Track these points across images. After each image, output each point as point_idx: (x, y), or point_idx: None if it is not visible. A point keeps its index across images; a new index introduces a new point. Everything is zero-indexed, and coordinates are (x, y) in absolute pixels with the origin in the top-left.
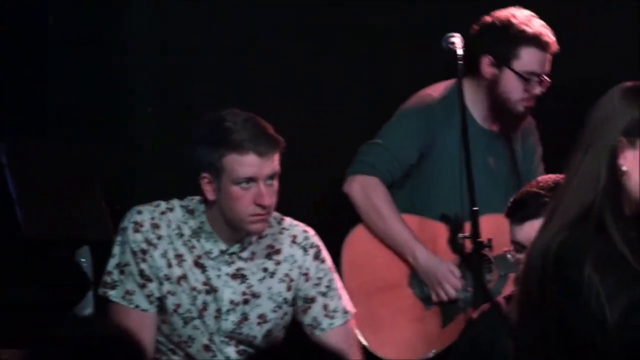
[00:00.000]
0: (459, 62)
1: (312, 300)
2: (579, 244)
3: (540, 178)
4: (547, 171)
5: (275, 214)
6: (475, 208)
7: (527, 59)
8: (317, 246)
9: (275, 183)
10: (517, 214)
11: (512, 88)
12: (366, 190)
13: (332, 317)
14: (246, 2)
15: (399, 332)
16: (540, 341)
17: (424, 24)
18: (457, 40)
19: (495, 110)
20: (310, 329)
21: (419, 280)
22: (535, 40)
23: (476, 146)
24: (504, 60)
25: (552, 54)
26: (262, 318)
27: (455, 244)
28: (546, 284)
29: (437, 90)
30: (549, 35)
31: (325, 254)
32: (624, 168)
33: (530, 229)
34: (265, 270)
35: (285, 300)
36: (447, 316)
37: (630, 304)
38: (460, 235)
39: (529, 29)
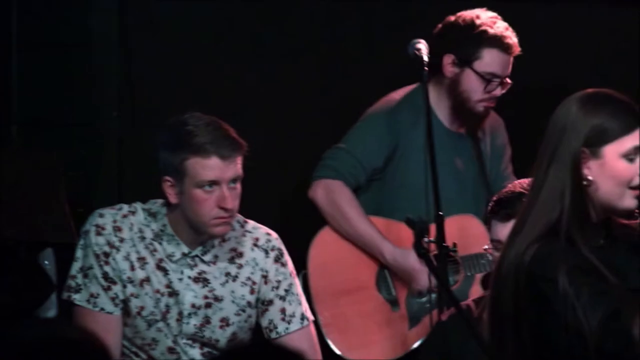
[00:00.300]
0: (425, 67)
1: (269, 303)
2: (551, 257)
3: (522, 180)
4: (516, 172)
5: (239, 217)
6: (440, 213)
7: (489, 60)
8: (279, 249)
9: (238, 186)
10: (502, 212)
11: (473, 88)
12: (331, 194)
13: (288, 322)
14: (213, 7)
15: (367, 335)
16: (518, 357)
17: (389, 28)
18: (422, 46)
19: (456, 110)
20: (267, 331)
21: (386, 282)
22: (497, 42)
23: (443, 148)
24: (465, 60)
25: (514, 57)
26: (225, 321)
27: (419, 248)
28: (520, 299)
29: (402, 94)
30: (511, 37)
31: (287, 258)
32: (590, 178)
33: None
34: (227, 274)
35: (249, 304)
36: (414, 318)
37: (606, 314)
38: (426, 239)
39: (492, 30)
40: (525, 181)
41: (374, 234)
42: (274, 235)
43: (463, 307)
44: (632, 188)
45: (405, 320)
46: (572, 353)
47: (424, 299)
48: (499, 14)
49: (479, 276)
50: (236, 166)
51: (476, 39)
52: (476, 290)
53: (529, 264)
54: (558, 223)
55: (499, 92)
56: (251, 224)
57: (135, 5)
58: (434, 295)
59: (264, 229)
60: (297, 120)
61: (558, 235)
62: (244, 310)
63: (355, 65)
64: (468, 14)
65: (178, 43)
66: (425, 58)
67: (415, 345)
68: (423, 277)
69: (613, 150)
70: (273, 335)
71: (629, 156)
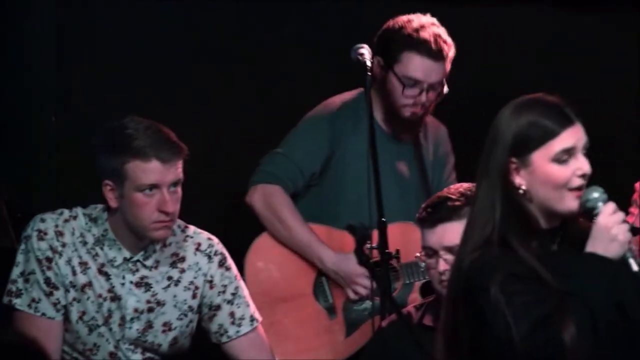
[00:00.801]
0: (368, 72)
1: (217, 307)
2: (485, 267)
3: (450, 186)
4: (459, 180)
5: (180, 222)
6: (383, 219)
7: (407, 63)
8: (222, 254)
9: (179, 190)
10: (429, 217)
11: (393, 91)
12: (268, 199)
13: (239, 325)
14: (150, 10)
15: (304, 343)
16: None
17: (330, 32)
18: (365, 51)
19: (388, 113)
20: (217, 336)
21: (323, 290)
22: (418, 46)
23: (385, 153)
24: (388, 62)
25: (445, 64)
26: (167, 326)
27: (361, 255)
28: (458, 307)
29: (342, 98)
30: (438, 43)
31: (230, 261)
32: (524, 187)
33: (442, 233)
34: (169, 278)
35: (191, 308)
36: (352, 325)
37: (537, 321)
38: (368, 245)
39: (415, 35)
40: (455, 187)
41: (312, 239)
42: (215, 240)
43: (404, 314)
44: (572, 189)
45: (343, 327)
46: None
47: (362, 307)
48: (450, 18)
49: (418, 284)
50: (176, 170)
51: (398, 42)
52: (415, 298)
53: (465, 274)
54: (492, 234)
55: (423, 98)
56: (192, 229)
57: (72, 9)
58: (370, 304)
59: (205, 234)
60: (237, 125)
61: (496, 244)
62: (185, 315)
63: (295, 70)
64: (403, 17)
65: (116, 47)
66: (369, 63)
67: (352, 353)
68: (362, 283)
69: (541, 156)
70: (224, 339)
71: (559, 159)
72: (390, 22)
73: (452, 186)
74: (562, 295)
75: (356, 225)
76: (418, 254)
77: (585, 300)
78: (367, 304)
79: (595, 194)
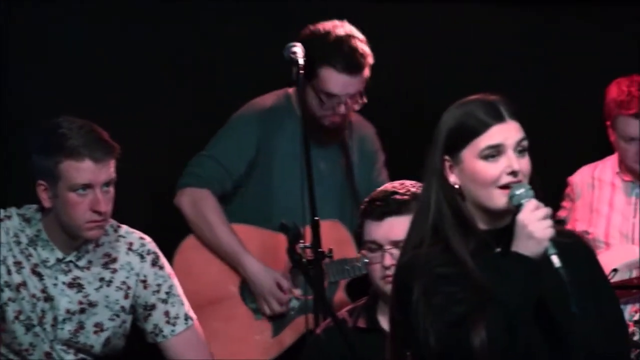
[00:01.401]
0: (300, 71)
1: (152, 307)
2: (416, 266)
3: (394, 182)
4: (392, 177)
5: (112, 222)
6: (316, 217)
7: (324, 78)
8: (155, 253)
9: (112, 190)
10: (376, 210)
11: (313, 103)
12: (195, 202)
13: (174, 324)
14: (86, 11)
15: (231, 345)
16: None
17: (259, 32)
18: (298, 49)
19: (310, 119)
20: (152, 336)
21: (250, 291)
22: (336, 62)
23: (312, 155)
24: (306, 75)
25: (360, 75)
26: (99, 327)
27: (293, 254)
28: (393, 308)
29: (268, 98)
30: (357, 58)
31: (163, 261)
32: (457, 185)
33: (389, 227)
34: (102, 279)
35: (123, 309)
36: (279, 325)
37: (448, 323)
38: (301, 245)
39: (332, 51)
40: (400, 182)
41: (237, 246)
42: (148, 239)
43: (339, 318)
44: (501, 187)
45: (269, 328)
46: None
47: (289, 305)
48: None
49: (344, 282)
50: (109, 169)
51: (315, 57)
52: (340, 297)
53: (397, 272)
54: (427, 233)
55: (342, 109)
56: (124, 228)
57: (10, 9)
58: (297, 303)
59: (137, 233)
60: (166, 125)
61: (429, 244)
62: (118, 315)
63: (225, 69)
64: (322, 26)
65: (52, 48)
66: (301, 61)
67: (281, 352)
68: (277, 302)
69: (469, 154)
70: (159, 339)
71: (487, 156)
72: (308, 31)
73: (395, 182)
74: (486, 298)
75: (288, 224)
76: (362, 249)
77: (501, 301)
78: (294, 302)
79: (520, 190)
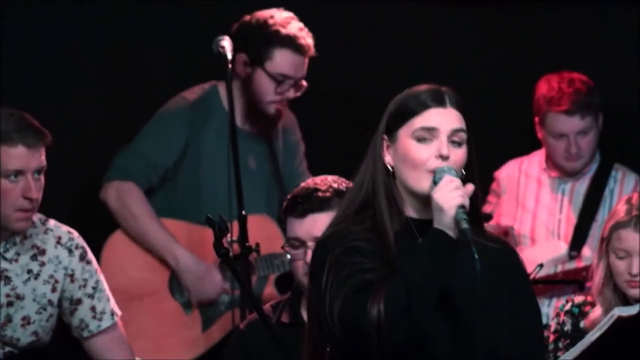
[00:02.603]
0: (229, 65)
1: (78, 302)
2: (331, 240)
3: (315, 178)
4: (310, 168)
5: (40, 215)
6: (243, 212)
7: (280, 60)
8: (83, 247)
9: (42, 178)
10: (298, 207)
11: (264, 89)
12: (121, 195)
13: (99, 319)
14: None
15: (161, 340)
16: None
17: (190, 27)
18: (226, 44)
19: (249, 110)
20: (78, 330)
21: (179, 285)
22: (289, 43)
23: (240, 147)
24: (257, 60)
25: (308, 58)
26: (26, 320)
27: (219, 248)
28: (310, 283)
29: (195, 92)
30: (305, 38)
31: (90, 255)
32: (391, 165)
33: (312, 223)
34: (29, 271)
35: (50, 302)
36: (209, 320)
37: (353, 288)
38: (228, 239)
39: (284, 31)
40: (321, 179)
41: (165, 237)
42: (76, 233)
43: (264, 312)
44: (430, 171)
45: (199, 322)
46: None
47: (218, 300)
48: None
49: (273, 277)
50: (40, 157)
51: (268, 39)
52: (270, 292)
53: (315, 248)
54: (354, 209)
55: (291, 93)
56: (52, 222)
57: None
58: (226, 298)
59: (65, 227)
60: (92, 119)
61: (353, 222)
62: (45, 309)
63: (153, 63)
64: (263, 13)
65: None
66: (229, 55)
67: (210, 347)
68: (212, 287)
69: (404, 133)
70: (85, 334)
71: (419, 137)
72: (248, 18)
73: (316, 178)
74: (390, 277)
75: (214, 218)
76: (282, 245)
77: (403, 272)
78: (223, 297)
79: (442, 169)
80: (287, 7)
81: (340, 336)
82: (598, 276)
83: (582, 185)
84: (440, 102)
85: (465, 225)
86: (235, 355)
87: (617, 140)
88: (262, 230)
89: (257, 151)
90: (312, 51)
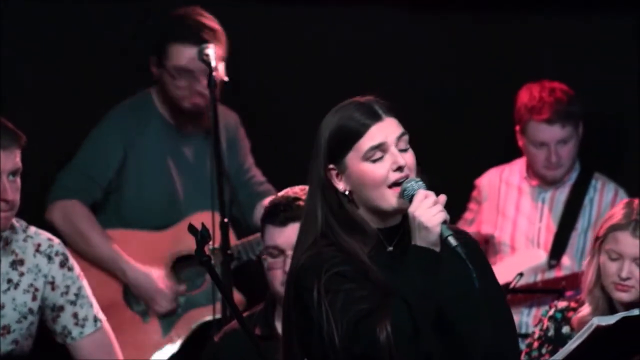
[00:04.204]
0: (213, 72)
1: (60, 308)
2: (313, 267)
3: (295, 187)
4: (258, 163)
5: (22, 222)
6: (225, 220)
7: (175, 55)
8: (64, 254)
9: (18, 180)
10: (280, 215)
11: (171, 86)
12: (67, 215)
13: (82, 326)
14: None
15: (124, 351)
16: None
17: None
18: (211, 52)
19: (171, 108)
20: (61, 337)
21: (134, 295)
22: (181, 36)
23: (174, 148)
24: (160, 59)
25: (219, 49)
26: (6, 329)
27: (201, 256)
28: (290, 310)
29: (129, 102)
30: (201, 29)
31: (72, 261)
32: (347, 191)
33: (292, 232)
34: (9, 281)
35: (31, 311)
36: (167, 324)
37: (357, 317)
38: (210, 247)
39: (177, 26)
40: (301, 188)
41: (113, 252)
42: (57, 240)
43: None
44: (391, 186)
45: (158, 329)
46: None
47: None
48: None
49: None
50: (15, 158)
51: (163, 37)
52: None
53: (295, 274)
54: (317, 238)
55: (197, 86)
56: (33, 229)
57: None
58: (182, 300)
59: (45, 234)
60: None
61: (323, 245)
62: (25, 317)
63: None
64: (171, 13)
65: None
66: (214, 63)
67: (173, 351)
68: (165, 299)
69: (354, 158)
70: (68, 340)
71: (371, 157)
72: (150, 21)
73: (296, 187)
74: (387, 294)
75: (197, 226)
76: (261, 252)
77: (403, 295)
78: (180, 299)
79: (409, 184)
80: (244, 12)
81: None
82: (589, 274)
83: (562, 194)
84: (376, 117)
85: (454, 242)
86: None
87: (596, 149)
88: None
89: (198, 150)
90: (215, 41)
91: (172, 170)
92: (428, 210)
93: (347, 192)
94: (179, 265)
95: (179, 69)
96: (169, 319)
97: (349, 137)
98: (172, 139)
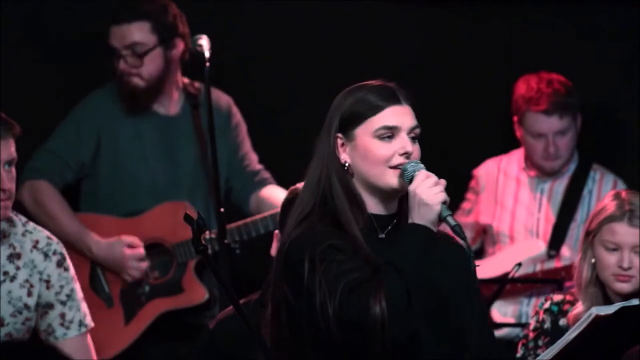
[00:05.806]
0: (207, 63)
1: (50, 306)
2: (306, 239)
3: None
4: (256, 147)
5: (21, 217)
6: (221, 209)
7: (108, 35)
8: (61, 254)
9: (13, 170)
10: None
11: (112, 67)
12: (35, 194)
13: (67, 327)
14: None
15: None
16: (277, 342)
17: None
18: (204, 42)
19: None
20: (44, 335)
21: (99, 281)
22: (112, 17)
23: (146, 131)
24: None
25: (129, 25)
26: (0, 322)
27: (198, 245)
28: (281, 284)
29: (104, 88)
30: (123, 8)
31: (69, 262)
32: (348, 162)
33: None
34: (6, 273)
35: (27, 306)
36: (130, 311)
37: (348, 287)
38: (207, 236)
39: (116, 8)
40: None
41: (79, 229)
42: (56, 239)
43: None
44: (392, 167)
45: (121, 315)
46: (320, 332)
47: (139, 292)
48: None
49: (192, 262)
50: (10, 148)
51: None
52: (190, 277)
53: (287, 247)
54: (314, 209)
55: (122, 64)
56: (32, 224)
57: None
58: (147, 288)
59: (45, 232)
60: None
61: (319, 218)
62: (20, 312)
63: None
64: None
65: None
66: (207, 54)
67: (134, 339)
68: (133, 266)
69: (363, 132)
70: (51, 339)
71: (381, 135)
72: None
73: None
74: (379, 266)
75: (193, 216)
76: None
77: (399, 268)
78: (145, 288)
79: (412, 164)
80: (237, 8)
81: (337, 333)
82: (583, 271)
83: (560, 185)
84: (395, 100)
85: (453, 221)
86: (206, 355)
87: (595, 140)
88: (179, 216)
89: (183, 135)
90: (137, 17)
91: (147, 155)
92: (429, 189)
93: (346, 165)
94: (147, 253)
95: (110, 48)
96: (132, 308)
97: (364, 110)
98: (153, 123)
